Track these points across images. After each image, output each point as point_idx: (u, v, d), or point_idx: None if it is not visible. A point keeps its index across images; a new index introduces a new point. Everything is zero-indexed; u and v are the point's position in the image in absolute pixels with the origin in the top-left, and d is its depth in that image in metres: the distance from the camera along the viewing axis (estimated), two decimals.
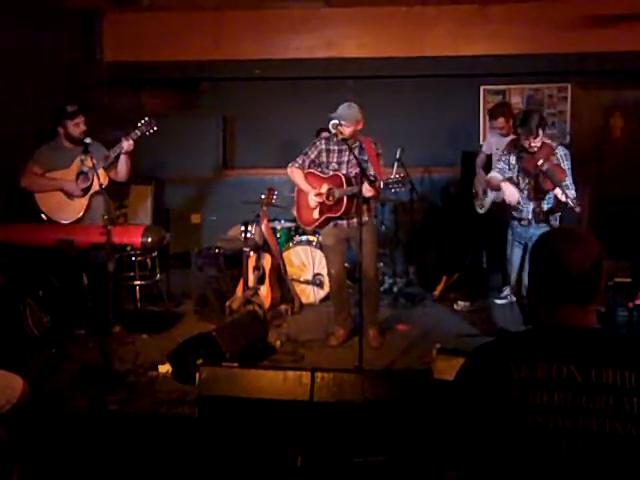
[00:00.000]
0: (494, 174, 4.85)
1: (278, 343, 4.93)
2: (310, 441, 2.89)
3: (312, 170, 4.92)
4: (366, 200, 4.66)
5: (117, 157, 4.93)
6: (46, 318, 4.77)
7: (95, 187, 4.83)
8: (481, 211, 6.10)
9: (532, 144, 4.49)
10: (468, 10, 6.87)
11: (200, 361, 4.10)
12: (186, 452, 3.15)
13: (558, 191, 4.41)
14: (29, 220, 5.06)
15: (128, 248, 5.38)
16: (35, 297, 4.77)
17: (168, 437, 3.42)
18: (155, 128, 4.95)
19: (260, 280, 5.71)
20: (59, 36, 6.46)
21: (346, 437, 2.90)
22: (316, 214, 4.91)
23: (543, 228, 4.48)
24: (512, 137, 5.29)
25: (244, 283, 5.56)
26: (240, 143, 7.76)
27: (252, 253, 5.70)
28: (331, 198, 4.81)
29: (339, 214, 4.83)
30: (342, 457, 2.88)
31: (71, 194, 4.97)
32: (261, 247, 5.83)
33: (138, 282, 5.87)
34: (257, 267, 5.71)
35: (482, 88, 7.36)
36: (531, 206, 4.64)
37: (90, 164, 4.70)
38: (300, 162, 4.93)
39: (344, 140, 4.64)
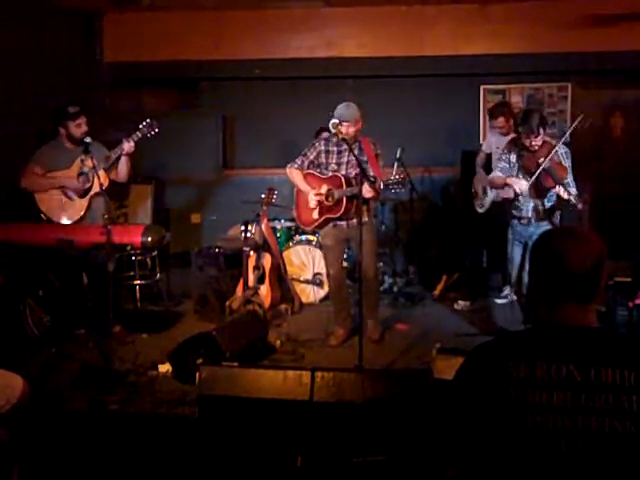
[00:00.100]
0: (497, 173, 4.85)
1: (278, 343, 4.93)
2: (310, 441, 2.89)
3: (311, 171, 4.92)
4: (365, 201, 4.66)
5: (118, 158, 4.93)
6: (46, 318, 4.77)
7: (95, 188, 4.82)
8: (481, 210, 6.09)
9: (533, 143, 4.49)
10: (468, 9, 6.87)
11: (200, 361, 4.10)
12: (186, 452, 3.16)
13: (560, 189, 4.41)
14: (29, 220, 5.06)
15: (128, 248, 5.38)
16: (35, 297, 4.77)
17: (168, 437, 3.42)
18: (156, 130, 4.95)
19: (260, 280, 5.71)
20: (59, 36, 6.46)
21: (346, 437, 2.90)
22: (315, 214, 4.91)
23: (543, 227, 4.48)
24: (512, 136, 5.29)
25: (244, 283, 5.56)
26: (240, 143, 7.76)
27: (252, 253, 5.70)
28: (330, 199, 4.81)
29: (338, 215, 4.83)
30: (342, 457, 2.87)
31: (72, 189, 4.96)
32: (261, 247, 5.83)
33: (138, 282, 5.87)
34: (257, 267, 5.71)
35: (482, 87, 7.36)
36: (531, 204, 4.64)
37: (90, 164, 4.70)
38: (299, 163, 4.93)
39: (344, 140, 4.63)
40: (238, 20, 7.15)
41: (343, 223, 4.90)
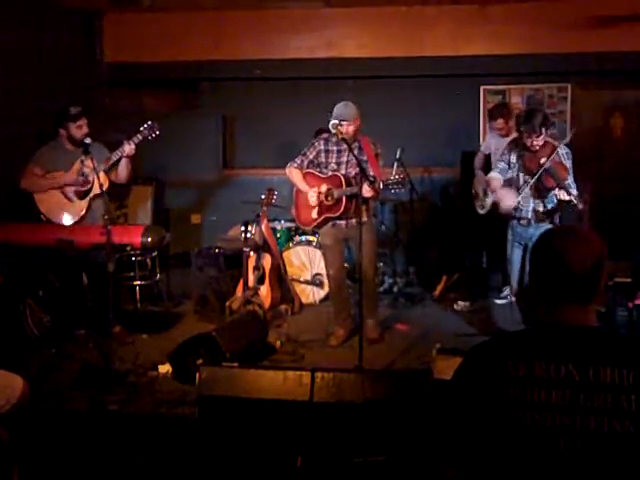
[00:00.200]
0: (494, 175, 4.85)
1: (278, 343, 4.93)
2: (310, 441, 2.89)
3: (311, 170, 4.92)
4: (365, 200, 4.66)
5: (118, 160, 4.93)
6: (46, 318, 4.77)
7: (96, 189, 4.82)
8: (482, 212, 6.10)
9: (534, 142, 4.49)
10: (468, 10, 6.87)
11: (200, 361, 4.10)
12: (186, 452, 3.16)
13: (560, 191, 4.41)
14: (29, 220, 5.06)
15: (128, 248, 5.38)
16: (35, 297, 4.77)
17: (168, 437, 3.42)
18: (157, 133, 4.94)
19: (260, 280, 5.71)
20: (59, 36, 6.46)
21: (346, 437, 2.90)
22: (315, 214, 4.91)
23: (543, 228, 4.47)
24: (513, 136, 5.29)
25: (244, 283, 5.56)
26: (240, 143, 7.76)
27: (252, 253, 5.70)
28: (330, 198, 4.81)
29: (338, 214, 4.83)
30: (342, 457, 2.87)
31: (72, 190, 4.95)
32: (261, 247, 5.83)
33: (138, 282, 5.87)
34: (257, 267, 5.71)
35: (482, 88, 7.36)
36: (531, 205, 4.64)
37: (90, 165, 4.69)
38: (298, 162, 4.93)
39: (344, 140, 4.64)
40: (238, 20, 7.15)
41: (342, 223, 4.90)
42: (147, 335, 5.16)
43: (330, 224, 4.92)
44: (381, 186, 4.54)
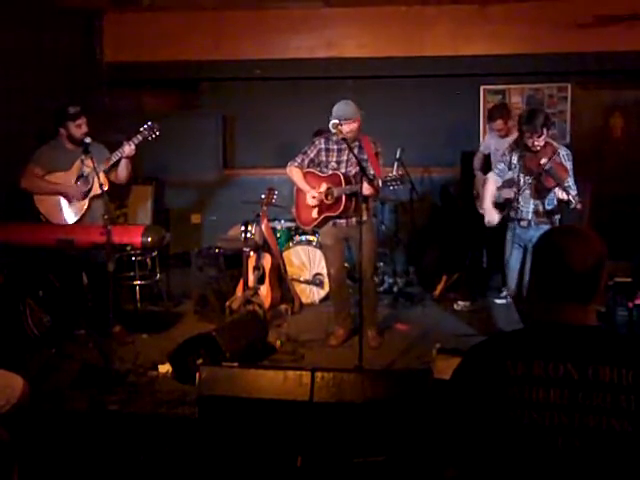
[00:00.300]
0: (492, 176, 4.85)
1: (278, 343, 4.93)
2: (310, 441, 2.89)
3: (311, 169, 4.92)
4: (365, 199, 4.66)
5: (118, 161, 4.93)
6: (46, 318, 4.77)
7: (95, 190, 4.81)
8: (483, 211, 6.09)
9: (535, 143, 4.48)
10: (468, 10, 6.87)
11: (200, 361, 4.10)
12: (186, 452, 3.16)
13: (559, 191, 4.41)
14: (29, 220, 5.05)
15: (128, 248, 5.38)
16: (35, 297, 4.77)
17: (168, 437, 3.42)
18: (157, 133, 4.94)
19: (260, 280, 5.71)
20: (59, 36, 6.47)
21: (346, 437, 2.90)
22: (315, 213, 4.91)
23: (543, 230, 4.46)
24: (513, 137, 5.29)
25: (244, 283, 5.56)
26: (240, 143, 7.76)
27: (252, 253, 5.70)
28: (330, 197, 4.81)
29: (338, 213, 4.83)
30: (342, 457, 2.87)
31: (72, 199, 4.96)
32: (261, 247, 5.83)
33: (138, 282, 5.87)
34: (257, 267, 5.71)
35: (482, 88, 7.36)
36: (531, 206, 4.64)
37: (90, 164, 4.68)
38: (299, 161, 4.93)
39: (344, 140, 4.64)
40: (238, 20, 7.15)
41: (343, 222, 4.89)
42: (147, 335, 5.16)
43: (331, 223, 4.92)
44: (380, 184, 4.54)
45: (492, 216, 4.74)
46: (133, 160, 5.03)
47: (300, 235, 6.26)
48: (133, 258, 5.78)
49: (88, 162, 4.75)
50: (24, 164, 4.99)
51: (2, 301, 4.60)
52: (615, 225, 6.37)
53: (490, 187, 4.82)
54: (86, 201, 4.98)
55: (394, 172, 4.83)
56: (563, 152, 4.59)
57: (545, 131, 4.47)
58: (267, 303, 5.63)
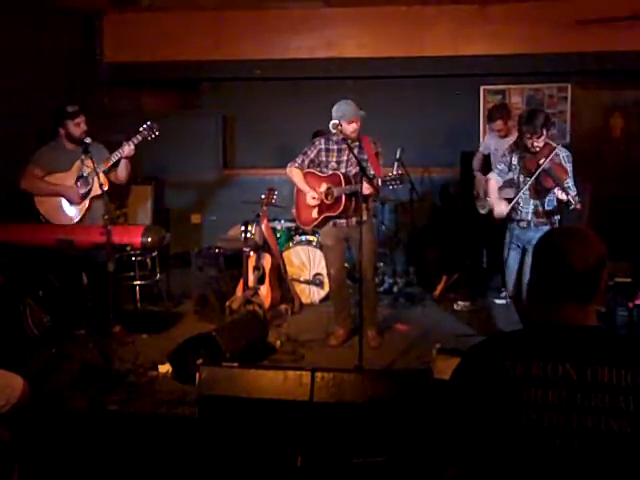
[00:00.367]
0: (493, 176, 4.85)
1: (278, 343, 4.93)
2: (310, 441, 2.89)
3: (311, 170, 4.93)
4: (365, 199, 4.66)
5: (117, 161, 4.93)
6: (46, 318, 4.77)
7: (95, 190, 4.82)
8: (483, 212, 6.10)
9: (535, 144, 4.48)
10: (468, 10, 6.87)
11: (200, 361, 4.10)
12: (186, 452, 3.16)
13: (558, 191, 4.41)
14: (29, 220, 5.05)
15: (128, 248, 5.38)
16: (35, 297, 4.77)
17: (168, 437, 3.42)
18: (157, 133, 4.93)
19: (260, 280, 5.71)
20: (59, 36, 6.47)
21: (346, 437, 2.90)
22: (315, 213, 4.91)
23: (542, 231, 4.46)
24: (513, 137, 5.29)
25: (244, 283, 5.56)
26: (240, 143, 7.76)
27: (252, 253, 5.70)
28: (330, 197, 4.81)
29: (338, 213, 4.83)
30: (342, 457, 2.88)
31: (72, 201, 4.96)
32: (261, 247, 5.84)
33: (138, 282, 5.87)
34: (257, 267, 5.71)
35: (482, 88, 7.36)
36: (531, 207, 4.64)
37: (90, 165, 4.68)
38: (299, 162, 4.93)
39: (344, 139, 4.63)
40: (238, 20, 7.15)
41: (343, 222, 4.89)
42: (147, 335, 5.16)
43: (331, 223, 4.92)
44: (380, 183, 4.54)
45: (500, 207, 4.66)
46: (133, 160, 5.03)
47: (300, 235, 6.26)
48: (133, 258, 5.78)
49: (88, 162, 4.75)
50: (24, 165, 4.99)
51: (2, 301, 4.60)
52: (615, 225, 6.38)
53: (492, 183, 4.81)
54: (86, 201, 4.98)
55: (394, 172, 4.83)
56: (563, 154, 4.58)
57: (545, 132, 4.47)
58: (267, 303, 5.63)
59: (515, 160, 4.68)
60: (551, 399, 1.53)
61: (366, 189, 4.48)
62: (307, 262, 6.09)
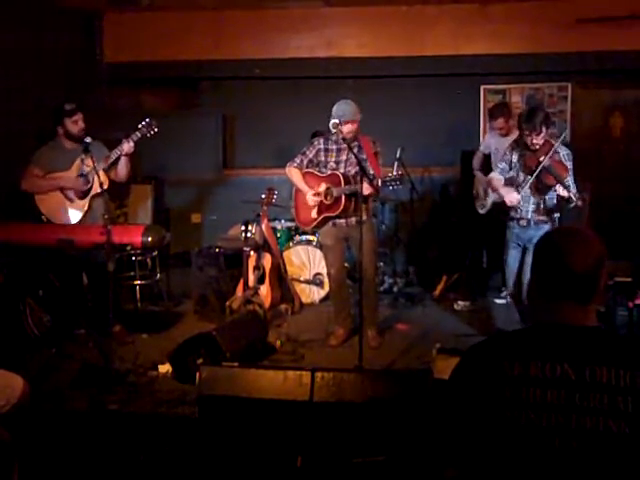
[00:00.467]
0: (495, 175, 4.85)
1: (278, 343, 4.93)
2: (310, 441, 2.89)
3: (310, 170, 4.92)
4: (365, 199, 4.65)
5: (117, 159, 4.93)
6: (46, 318, 4.77)
7: (96, 189, 4.83)
8: (482, 211, 6.10)
9: (534, 141, 4.49)
10: (468, 9, 6.87)
11: (200, 361, 4.10)
12: (186, 452, 3.16)
13: (559, 187, 4.41)
14: (29, 220, 5.05)
15: (128, 248, 5.38)
16: (35, 297, 4.77)
17: (168, 437, 3.42)
18: (156, 130, 4.94)
19: (260, 280, 5.71)
20: (59, 36, 6.47)
21: (346, 437, 2.90)
22: (314, 214, 4.90)
23: (543, 229, 4.47)
24: (514, 136, 5.29)
25: (244, 283, 5.56)
26: (240, 143, 7.76)
27: (252, 253, 5.70)
28: (329, 197, 4.81)
29: (337, 213, 4.82)
30: (342, 457, 2.88)
31: (71, 190, 4.96)
32: (261, 247, 5.84)
33: (138, 282, 5.87)
34: (257, 267, 5.71)
35: (482, 87, 7.36)
36: (531, 206, 4.64)
37: (90, 164, 4.69)
38: (298, 162, 4.93)
39: (344, 140, 4.63)
40: (238, 20, 7.15)
41: (342, 222, 4.89)
42: (147, 335, 5.16)
43: (330, 223, 4.92)
44: (379, 183, 4.54)
45: (511, 195, 4.62)
46: (133, 159, 5.03)
47: (300, 235, 6.26)
48: (133, 258, 5.79)
49: (88, 161, 4.76)
50: (24, 165, 4.99)
51: (2, 301, 4.60)
52: (615, 225, 6.37)
53: (495, 179, 4.80)
54: (86, 200, 4.98)
55: (394, 172, 4.83)
56: (563, 152, 4.59)
57: (544, 129, 4.47)
58: (267, 303, 5.63)
59: (515, 158, 4.69)
60: (550, 399, 1.53)
61: (366, 189, 4.48)
62: (307, 262, 6.09)
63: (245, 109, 7.54)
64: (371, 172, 4.63)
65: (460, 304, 5.95)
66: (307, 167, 4.92)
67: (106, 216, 4.38)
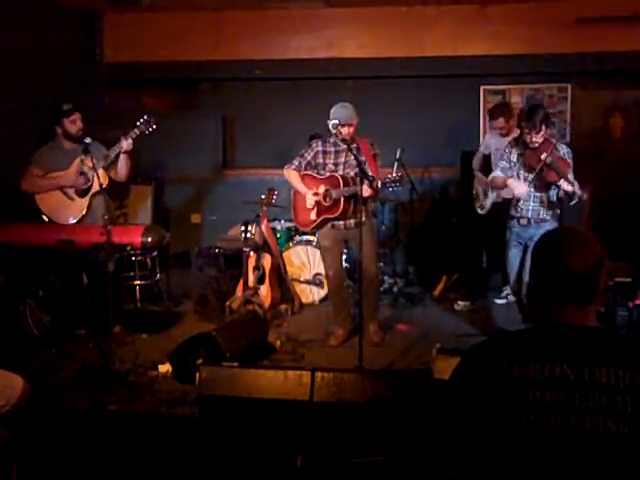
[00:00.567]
0: (497, 173, 4.84)
1: (278, 343, 4.93)
2: (310, 441, 2.89)
3: (309, 172, 4.92)
4: (364, 201, 4.65)
5: (117, 157, 4.93)
6: (46, 318, 4.77)
7: (95, 188, 4.83)
8: (481, 212, 6.10)
9: (534, 139, 4.49)
10: (468, 10, 6.88)
11: (200, 361, 4.10)
12: (186, 452, 3.16)
13: (563, 182, 4.41)
14: (29, 220, 5.06)
15: (128, 248, 5.38)
16: (35, 297, 4.77)
17: (168, 437, 3.42)
18: (154, 126, 4.94)
19: (260, 280, 5.71)
20: (59, 36, 6.47)
21: (346, 437, 2.90)
22: (313, 215, 4.90)
23: (544, 228, 4.47)
24: (514, 136, 5.29)
25: (244, 283, 5.56)
26: (240, 143, 7.76)
27: (252, 253, 5.70)
28: (328, 199, 4.80)
29: (336, 215, 4.82)
30: (342, 457, 2.88)
31: (71, 188, 4.96)
32: (261, 247, 5.84)
33: (138, 282, 5.87)
34: (257, 267, 5.71)
35: (482, 88, 7.36)
36: (531, 204, 4.64)
37: (90, 164, 4.69)
38: (296, 164, 4.92)
39: (344, 141, 4.63)
40: (238, 20, 7.16)
41: (341, 223, 4.89)
42: (147, 335, 5.16)
43: (329, 225, 4.92)
44: (379, 185, 4.54)
45: (521, 187, 4.61)
46: (132, 156, 5.04)
47: (300, 235, 6.26)
48: (133, 258, 5.79)
49: (88, 162, 4.77)
50: (24, 165, 4.99)
51: (2, 301, 4.61)
52: (615, 225, 6.38)
53: (499, 174, 4.79)
54: (87, 198, 4.98)
55: (393, 173, 4.83)
56: (564, 150, 4.60)
57: (544, 127, 4.47)
58: (267, 303, 5.63)
59: (514, 157, 4.69)
60: (549, 400, 1.53)
61: (366, 191, 4.48)
62: (307, 262, 6.09)
63: (245, 110, 7.54)
64: (370, 174, 4.62)
65: (460, 304, 5.95)
66: (305, 169, 4.92)
67: (106, 216, 4.39)
